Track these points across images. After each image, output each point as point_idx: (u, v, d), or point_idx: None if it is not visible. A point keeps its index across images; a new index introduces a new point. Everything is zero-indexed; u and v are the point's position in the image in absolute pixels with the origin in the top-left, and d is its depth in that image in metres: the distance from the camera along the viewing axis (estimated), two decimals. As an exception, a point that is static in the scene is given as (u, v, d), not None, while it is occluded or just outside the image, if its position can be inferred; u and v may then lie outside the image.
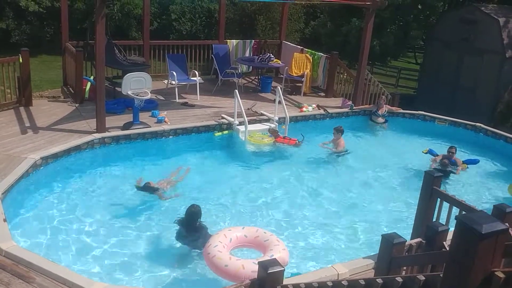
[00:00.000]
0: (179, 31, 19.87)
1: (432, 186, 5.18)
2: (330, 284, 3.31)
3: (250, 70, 13.31)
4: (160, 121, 9.24)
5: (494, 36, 14.66)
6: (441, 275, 2.64)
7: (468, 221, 2.33)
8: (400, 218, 7.30)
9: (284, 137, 9.30)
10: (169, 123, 9.26)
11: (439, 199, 5.27)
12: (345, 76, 12.57)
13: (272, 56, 12.59)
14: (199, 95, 11.05)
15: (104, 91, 8.43)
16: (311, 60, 12.48)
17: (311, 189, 8.09)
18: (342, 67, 12.46)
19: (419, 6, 17.53)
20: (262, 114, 10.14)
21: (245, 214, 7.08)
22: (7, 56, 9.79)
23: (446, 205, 5.27)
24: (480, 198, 8.20)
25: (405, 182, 8.64)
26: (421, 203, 5.39)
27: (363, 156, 9.48)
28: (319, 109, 10.94)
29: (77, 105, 9.89)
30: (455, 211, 5.11)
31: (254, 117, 9.93)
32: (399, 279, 2.95)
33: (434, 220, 5.23)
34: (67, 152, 7.73)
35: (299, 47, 13.23)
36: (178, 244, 6.01)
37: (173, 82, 10.90)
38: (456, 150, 8.96)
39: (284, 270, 3.56)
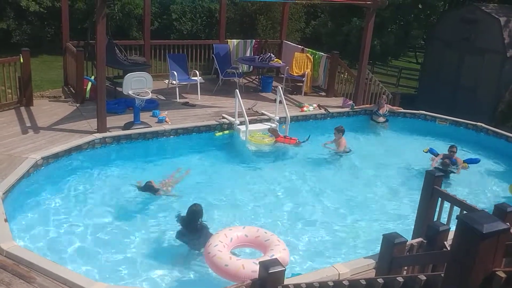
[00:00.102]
0: (179, 31, 19.87)
1: (433, 185, 5.17)
2: (331, 284, 3.31)
3: (250, 69, 13.31)
4: (161, 121, 9.24)
5: (495, 36, 14.65)
6: (442, 275, 2.63)
7: (469, 220, 2.32)
8: (401, 218, 7.29)
9: (284, 137, 9.29)
10: (170, 123, 9.26)
11: (440, 199, 5.26)
12: (346, 76, 12.57)
13: (273, 55, 12.59)
14: (200, 95, 11.06)
15: (105, 91, 8.43)
16: (312, 60, 12.48)
17: (312, 188, 8.09)
18: (343, 66, 12.45)
19: (420, 6, 17.53)
20: (263, 114, 10.14)
21: (246, 214, 7.08)
22: (8, 56, 9.79)
23: (447, 204, 5.27)
24: (481, 197, 8.19)
25: (406, 181, 8.64)
26: (422, 203, 5.39)
27: (364, 155, 9.48)
28: (320, 109, 10.94)
29: (78, 105, 9.89)
30: (456, 210, 5.10)
31: (255, 117, 9.92)
32: (400, 279, 2.95)
33: (435, 219, 5.23)
34: (68, 152, 7.73)
35: (299, 46, 13.23)
36: (179, 244, 6.01)
37: (174, 82, 10.90)
38: (457, 149, 8.96)
39: (285, 270, 3.56)
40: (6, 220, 5.46)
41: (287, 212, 7.27)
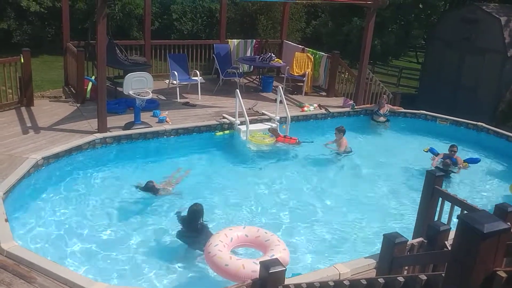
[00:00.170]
0: (180, 31, 19.87)
1: (433, 185, 5.17)
2: (331, 284, 3.31)
3: (251, 69, 13.31)
4: (161, 121, 9.24)
5: (496, 35, 14.65)
6: (443, 274, 2.63)
7: (470, 220, 2.32)
8: (401, 218, 7.29)
9: (284, 136, 9.29)
10: (170, 123, 9.27)
11: (440, 199, 5.26)
12: (346, 76, 12.56)
13: (273, 55, 12.59)
14: (200, 94, 11.06)
15: (106, 91, 8.43)
16: (313, 60, 12.47)
17: (313, 189, 8.09)
18: (343, 66, 12.45)
19: (420, 6, 17.53)
20: (263, 114, 10.14)
21: (246, 214, 7.08)
22: (8, 56, 9.79)
23: (447, 204, 5.26)
24: (481, 197, 8.19)
25: (406, 181, 8.64)
26: (422, 202, 5.39)
27: (365, 155, 9.48)
28: (321, 109, 10.93)
29: (78, 105, 9.89)
30: (457, 210, 5.10)
31: (255, 117, 9.92)
32: (400, 278, 2.94)
33: (435, 219, 5.22)
34: (69, 152, 7.73)
35: (300, 46, 13.22)
36: (179, 243, 6.02)
37: (174, 82, 10.90)
38: (457, 148, 8.95)
39: (285, 270, 3.55)
40: (6, 220, 5.46)
41: (287, 212, 7.26)
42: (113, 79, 10.58)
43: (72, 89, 10.67)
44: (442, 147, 9.41)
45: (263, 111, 10.24)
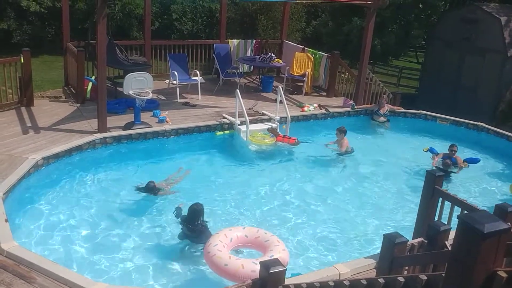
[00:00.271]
0: (180, 31, 19.87)
1: (434, 185, 5.17)
2: (332, 284, 3.31)
3: (251, 69, 13.30)
4: (161, 121, 9.24)
5: (496, 35, 14.65)
6: (443, 274, 2.63)
7: (470, 220, 2.32)
8: (401, 218, 7.29)
9: (284, 136, 9.29)
10: (170, 123, 9.26)
11: (440, 199, 5.26)
12: (346, 76, 12.56)
13: (274, 55, 12.59)
14: (201, 95, 11.06)
15: (106, 91, 8.43)
16: (313, 60, 12.47)
17: (314, 189, 8.09)
18: (343, 66, 12.45)
19: (420, 5, 17.53)
20: (263, 114, 10.13)
21: (246, 214, 7.07)
22: (8, 57, 9.80)
23: (448, 204, 5.26)
24: (481, 197, 8.18)
25: (406, 181, 8.64)
26: (422, 202, 5.38)
27: (365, 155, 9.47)
28: (321, 109, 10.93)
29: (78, 105, 9.89)
30: (457, 210, 5.10)
31: (256, 117, 9.92)
32: (401, 278, 2.94)
33: (435, 219, 5.22)
34: (69, 152, 7.73)
35: (300, 46, 13.22)
36: (179, 243, 6.03)
37: (175, 82, 10.90)
38: (457, 148, 8.95)
39: (285, 270, 3.55)
40: (6, 220, 5.46)
41: (288, 213, 7.25)
42: (113, 79, 10.59)
43: (72, 89, 10.67)
44: (442, 147, 9.41)
45: (263, 111, 10.24)
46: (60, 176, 7.44)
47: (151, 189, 6.93)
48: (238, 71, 12.03)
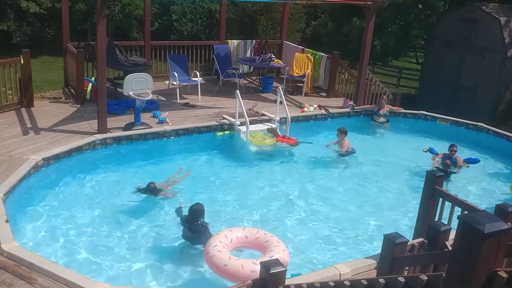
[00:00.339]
0: (180, 31, 19.86)
1: (434, 185, 5.17)
2: (332, 284, 3.31)
3: (251, 70, 13.31)
4: (161, 122, 9.25)
5: (495, 35, 14.65)
6: (444, 275, 2.63)
7: (470, 220, 2.32)
8: (402, 218, 7.29)
9: (283, 137, 9.29)
10: (170, 123, 9.27)
11: (441, 199, 5.26)
12: (346, 76, 12.57)
13: (273, 56, 12.60)
14: (200, 95, 11.06)
15: (106, 92, 8.44)
16: (312, 60, 12.48)
17: (314, 189, 8.09)
18: (343, 67, 12.45)
19: (420, 6, 17.51)
20: (263, 115, 10.14)
21: (246, 215, 7.07)
22: (8, 57, 9.81)
23: (448, 204, 5.26)
24: (482, 197, 8.19)
25: (407, 181, 8.64)
26: (423, 203, 5.39)
27: (365, 156, 9.47)
28: (321, 109, 10.94)
29: (78, 106, 9.90)
30: (457, 211, 5.10)
31: (256, 118, 9.92)
32: (401, 279, 2.94)
33: (436, 219, 5.22)
34: (69, 153, 7.74)
35: (300, 47, 13.23)
36: (180, 243, 6.03)
37: (174, 83, 10.90)
38: (457, 148, 8.95)
39: (286, 270, 3.55)
40: (7, 221, 5.47)
41: (288, 213, 7.26)
42: (113, 80, 10.59)
43: (72, 90, 10.67)
44: (442, 148, 9.41)
45: (263, 112, 10.24)
46: (60, 177, 7.44)
47: (151, 190, 6.93)
48: (238, 72, 12.03)
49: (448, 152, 8.93)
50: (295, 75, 12.46)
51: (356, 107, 11.15)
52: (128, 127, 8.77)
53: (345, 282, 3.22)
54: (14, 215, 6.07)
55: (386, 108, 11.01)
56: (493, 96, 14.87)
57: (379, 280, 3.05)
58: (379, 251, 4.30)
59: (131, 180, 7.61)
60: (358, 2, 11.98)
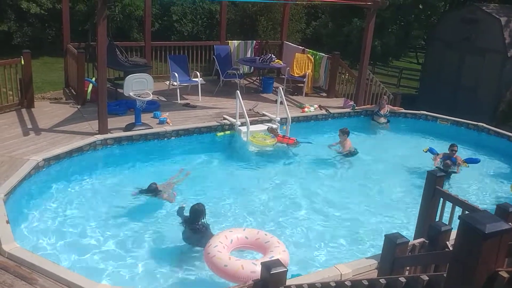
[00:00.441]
0: (180, 32, 19.87)
1: (434, 185, 5.17)
2: (333, 284, 3.31)
3: (251, 70, 13.31)
4: (162, 122, 9.25)
5: (496, 36, 14.65)
6: (445, 275, 2.63)
7: (471, 221, 2.32)
8: (402, 218, 7.28)
9: (283, 136, 9.29)
10: (171, 124, 9.27)
11: (441, 199, 5.26)
12: (346, 76, 12.57)
13: (274, 56, 12.59)
14: (201, 96, 11.06)
15: (106, 93, 8.44)
16: (313, 61, 12.48)
17: (314, 189, 8.08)
18: (343, 67, 12.45)
19: (420, 6, 17.51)
20: (264, 115, 10.14)
21: (247, 215, 7.07)
22: (9, 58, 9.81)
23: (449, 204, 5.26)
24: (482, 197, 8.19)
25: (407, 181, 8.64)
26: (423, 203, 5.38)
27: (366, 156, 9.47)
28: (321, 110, 10.94)
29: (79, 106, 9.90)
30: (458, 211, 5.10)
31: (256, 118, 9.93)
32: (402, 279, 2.94)
33: (436, 220, 5.22)
34: (69, 153, 7.74)
35: (300, 47, 13.23)
36: (181, 244, 6.02)
37: (175, 83, 10.91)
38: (457, 148, 8.95)
39: (287, 270, 3.55)
40: (8, 222, 5.47)
41: (289, 213, 7.26)
42: (113, 81, 10.60)
43: (72, 90, 10.67)
44: (443, 148, 9.41)
45: (264, 112, 10.24)
46: (60, 177, 7.43)
47: (153, 191, 6.93)
48: (238, 72, 12.04)
49: (448, 152, 8.93)
50: (296, 75, 12.46)
51: (356, 107, 11.15)
52: (129, 127, 8.77)
53: (346, 283, 3.21)
54: (15, 215, 6.06)
55: (387, 108, 11.01)
56: (493, 97, 14.87)
57: (380, 280, 3.05)
58: (380, 251, 4.30)
59: (132, 181, 7.61)
60: (358, 2, 11.99)
